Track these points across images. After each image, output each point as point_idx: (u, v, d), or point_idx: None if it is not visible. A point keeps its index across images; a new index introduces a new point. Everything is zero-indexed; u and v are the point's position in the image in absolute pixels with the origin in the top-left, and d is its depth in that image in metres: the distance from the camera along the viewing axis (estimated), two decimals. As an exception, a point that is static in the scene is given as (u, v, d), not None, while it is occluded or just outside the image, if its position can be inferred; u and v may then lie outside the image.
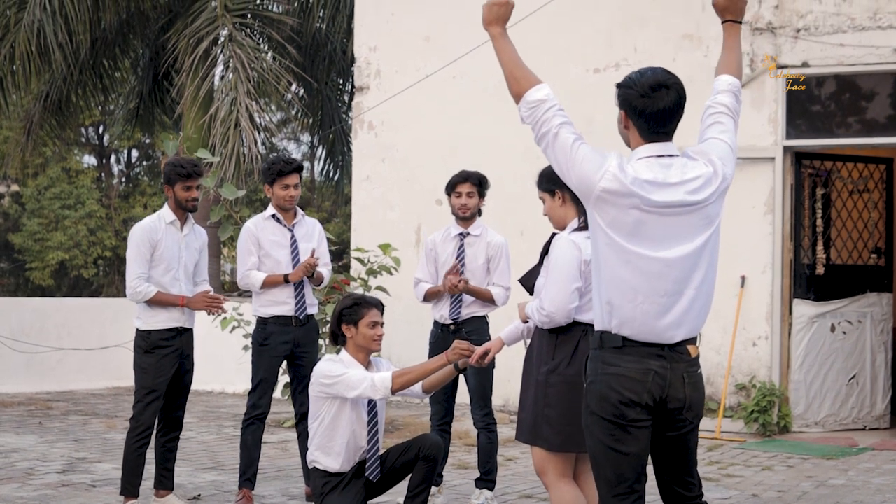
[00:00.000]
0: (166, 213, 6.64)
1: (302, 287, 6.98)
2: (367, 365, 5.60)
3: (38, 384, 12.78)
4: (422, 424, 9.89)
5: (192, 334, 6.72)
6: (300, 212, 7.10)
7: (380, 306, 5.68)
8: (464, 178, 7.02)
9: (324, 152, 18.18)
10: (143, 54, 16.86)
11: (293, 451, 8.67)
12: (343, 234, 27.28)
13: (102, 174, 29.63)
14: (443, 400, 6.99)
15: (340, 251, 28.53)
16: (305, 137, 27.89)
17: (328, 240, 7.46)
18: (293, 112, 18.11)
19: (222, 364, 12.36)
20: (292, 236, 7.00)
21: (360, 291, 10.56)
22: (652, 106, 3.70)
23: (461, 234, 7.05)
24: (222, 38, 14.14)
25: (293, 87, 14.95)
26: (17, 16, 13.96)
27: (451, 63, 11.26)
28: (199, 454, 8.77)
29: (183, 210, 6.62)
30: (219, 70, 14.37)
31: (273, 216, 7.00)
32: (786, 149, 10.25)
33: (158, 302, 6.52)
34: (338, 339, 5.63)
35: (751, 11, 10.34)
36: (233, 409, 11.61)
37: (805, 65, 10.15)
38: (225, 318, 9.68)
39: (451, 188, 7.04)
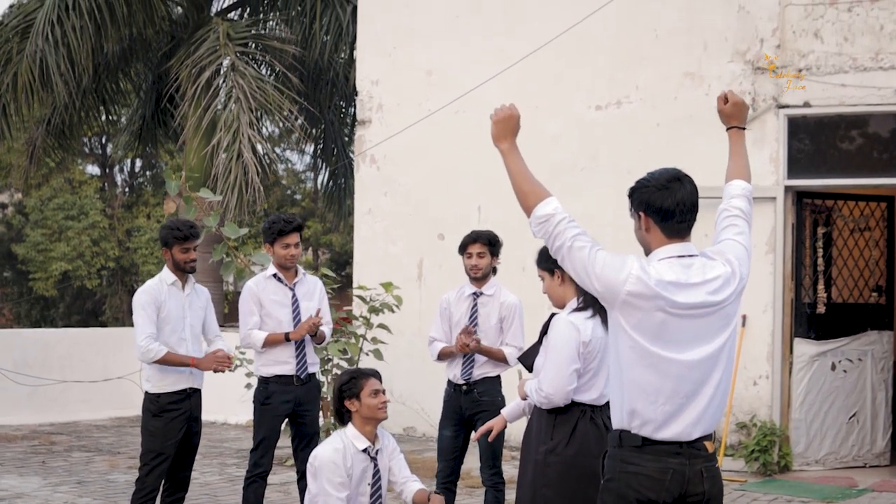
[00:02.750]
0: (167, 275, 6.66)
1: (303, 346, 7.01)
2: (374, 438, 5.58)
3: (42, 416, 12.81)
4: (424, 461, 9.91)
5: (200, 395, 6.76)
6: (301, 270, 7.13)
7: (377, 375, 5.67)
8: (474, 238, 6.99)
9: (326, 172, 18.20)
10: (146, 78, 16.87)
11: (294, 495, 8.68)
12: (346, 246, 27.33)
13: (105, 184, 29.64)
14: (451, 459, 7.01)
15: (343, 262, 28.58)
16: (309, 148, 27.89)
17: (325, 280, 7.46)
18: (294, 134, 18.12)
19: (225, 394, 12.36)
20: (293, 295, 7.03)
21: (362, 330, 10.59)
22: (671, 198, 3.73)
23: (475, 293, 7.04)
24: (224, 68, 14.14)
25: (295, 113, 14.92)
26: (19, 45, 13.96)
27: (456, 100, 11.28)
28: (201, 499, 8.79)
29: (182, 272, 6.65)
30: (221, 98, 14.37)
31: (274, 275, 7.03)
32: (787, 188, 10.25)
33: (168, 362, 6.54)
34: (343, 417, 5.60)
35: (752, 51, 10.35)
36: (235, 442, 11.64)
37: (807, 104, 10.16)
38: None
39: (462, 248, 7.03)
